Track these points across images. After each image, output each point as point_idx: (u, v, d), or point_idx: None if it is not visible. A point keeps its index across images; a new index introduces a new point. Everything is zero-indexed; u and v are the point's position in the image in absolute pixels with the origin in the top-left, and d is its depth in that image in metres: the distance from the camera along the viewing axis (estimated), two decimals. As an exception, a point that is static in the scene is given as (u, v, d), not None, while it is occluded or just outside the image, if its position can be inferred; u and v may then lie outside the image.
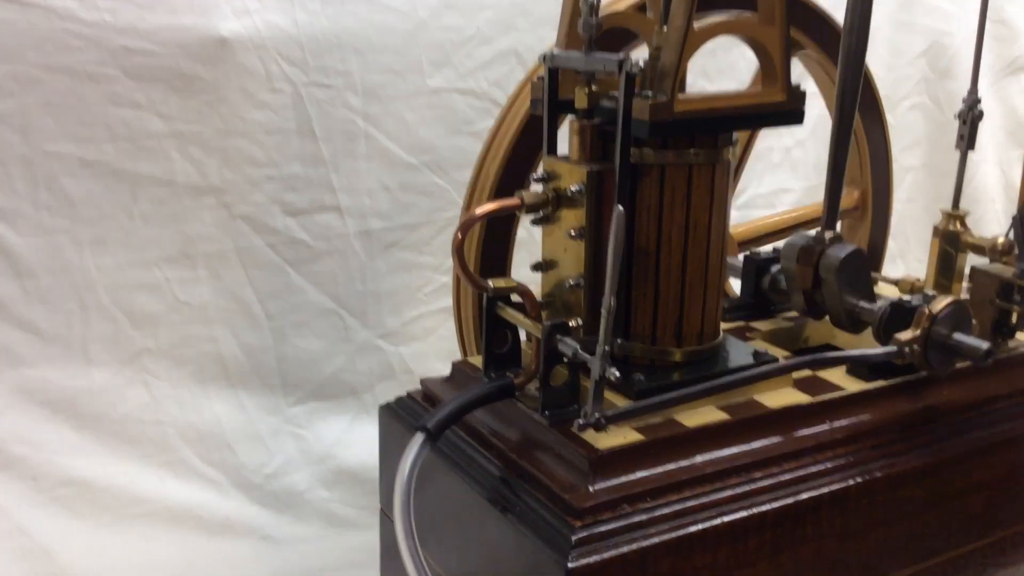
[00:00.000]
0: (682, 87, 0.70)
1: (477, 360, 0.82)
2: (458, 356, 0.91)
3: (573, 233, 0.71)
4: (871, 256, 1.15)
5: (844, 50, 0.74)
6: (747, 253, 0.94)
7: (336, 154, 1.16)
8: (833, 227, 0.82)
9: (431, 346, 1.25)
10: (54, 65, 0.99)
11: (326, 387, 1.19)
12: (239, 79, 1.08)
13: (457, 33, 1.21)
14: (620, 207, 0.60)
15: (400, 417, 0.82)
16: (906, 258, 1.73)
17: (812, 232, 0.81)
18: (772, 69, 0.69)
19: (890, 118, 1.66)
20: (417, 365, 1.23)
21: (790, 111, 0.71)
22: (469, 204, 0.92)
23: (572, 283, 0.72)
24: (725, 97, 0.68)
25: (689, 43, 0.64)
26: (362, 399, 1.21)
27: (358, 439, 1.18)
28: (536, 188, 0.75)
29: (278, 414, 1.16)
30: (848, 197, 1.09)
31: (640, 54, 0.70)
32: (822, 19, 1.00)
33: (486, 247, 0.91)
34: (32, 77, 0.98)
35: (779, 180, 1.61)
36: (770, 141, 1.57)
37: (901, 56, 1.67)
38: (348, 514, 1.15)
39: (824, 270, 0.80)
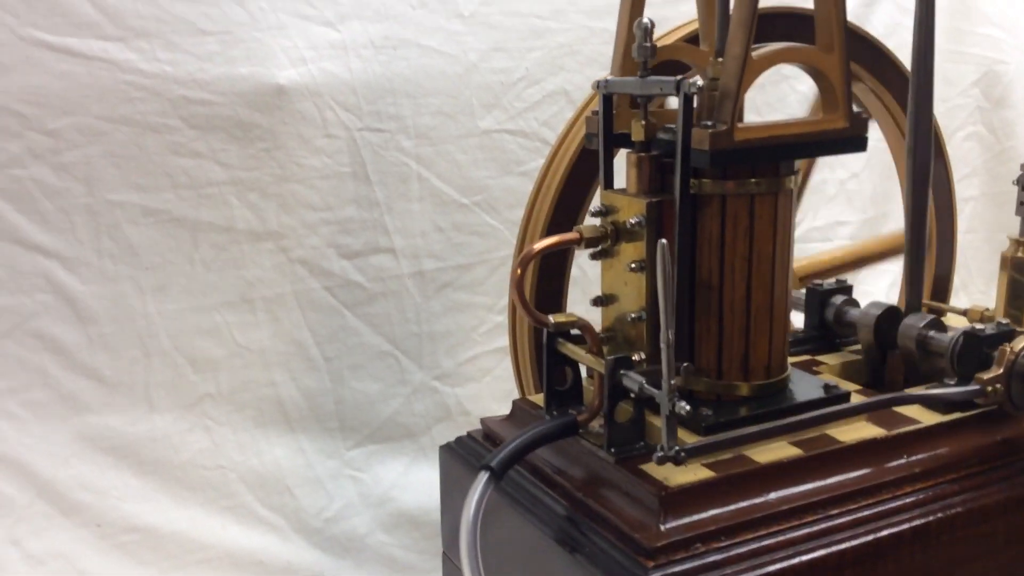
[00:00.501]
0: (740, 117, 0.69)
1: (537, 398, 0.81)
2: (514, 396, 0.90)
3: (633, 266, 0.70)
4: (937, 289, 1.12)
5: (912, 118, 0.73)
6: (810, 285, 0.92)
7: (390, 196, 1.17)
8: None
9: (487, 387, 1.25)
10: (116, 116, 1.01)
11: (384, 429, 1.19)
12: (295, 126, 1.09)
13: (506, 75, 1.22)
14: (663, 240, 0.59)
15: (461, 457, 0.81)
16: (968, 290, 1.69)
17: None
18: (833, 96, 0.68)
19: (946, 148, 1.64)
20: (473, 406, 1.23)
21: (853, 138, 0.69)
22: (522, 243, 0.92)
23: (634, 316, 0.71)
24: (786, 125, 0.67)
25: (749, 70, 0.63)
26: (419, 441, 1.21)
27: (416, 482, 1.17)
28: (594, 222, 0.74)
29: (337, 457, 1.16)
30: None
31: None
32: (876, 49, 0.99)
33: (540, 284, 0.90)
34: (95, 128, 1.01)
35: (835, 213, 1.59)
36: (824, 174, 1.55)
37: (954, 86, 1.65)
38: (408, 559, 1.14)
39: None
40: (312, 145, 1.11)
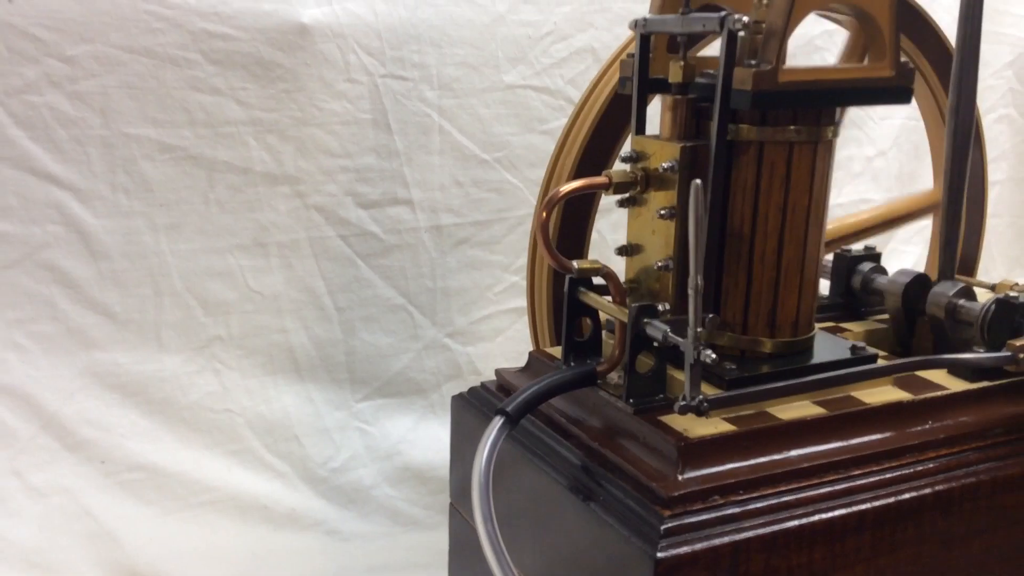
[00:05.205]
0: (783, 62, 0.67)
1: (554, 350, 0.79)
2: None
3: (663, 213, 0.68)
4: (962, 272, 1.10)
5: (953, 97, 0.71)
6: (837, 251, 0.90)
7: (410, 147, 1.14)
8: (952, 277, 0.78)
9: (499, 347, 1.23)
10: (136, 47, 0.99)
11: (393, 384, 1.18)
12: (318, 68, 1.07)
13: (534, 29, 1.19)
14: (698, 181, 0.57)
15: (474, 407, 0.80)
16: (991, 275, 1.66)
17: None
18: (880, 43, 0.66)
19: (977, 129, 1.61)
20: (485, 365, 1.21)
21: (898, 88, 0.67)
22: (546, 192, 0.90)
23: (660, 265, 0.69)
24: (831, 70, 0.65)
25: (797, 7, 0.60)
26: (429, 398, 1.19)
27: (424, 437, 1.16)
28: (623, 168, 0.72)
29: (345, 409, 1.15)
30: (936, 192, 1.05)
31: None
32: (914, 11, 0.96)
33: (562, 237, 0.88)
34: (113, 58, 0.99)
35: (860, 190, 1.56)
36: (851, 150, 1.53)
37: (987, 67, 1.61)
38: (413, 512, 1.13)
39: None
40: (333, 89, 1.09)
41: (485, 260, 1.21)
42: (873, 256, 0.89)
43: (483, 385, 0.82)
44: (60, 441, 1.02)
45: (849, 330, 0.84)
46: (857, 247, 0.90)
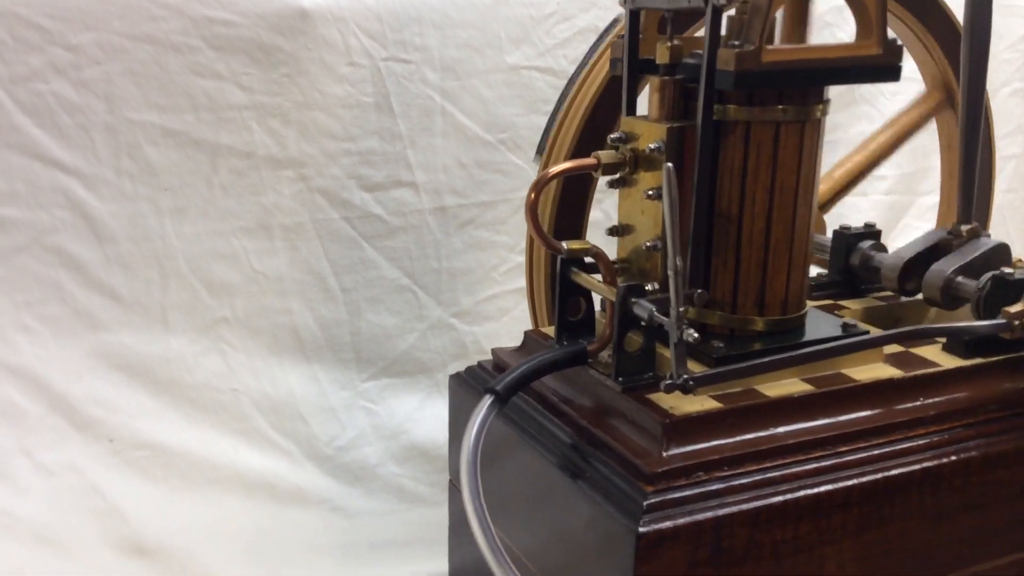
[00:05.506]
0: (770, 39, 0.67)
1: (549, 330, 0.80)
2: (532, 335, 0.89)
3: (651, 193, 0.68)
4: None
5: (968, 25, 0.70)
6: (836, 229, 0.90)
7: (413, 130, 1.15)
8: (969, 219, 0.77)
9: (505, 326, 1.24)
10: (138, 34, 1.00)
11: (399, 363, 1.19)
12: (319, 52, 1.08)
13: (537, 9, 1.19)
14: (669, 164, 0.57)
15: (470, 386, 0.81)
16: (1004, 251, 1.65)
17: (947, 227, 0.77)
18: (867, 20, 0.65)
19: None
20: (490, 345, 1.21)
21: (886, 66, 0.67)
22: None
23: (649, 246, 0.70)
24: (816, 49, 0.65)
25: (779, -13, 0.60)
26: (435, 377, 1.20)
27: (429, 416, 1.17)
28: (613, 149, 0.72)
29: (351, 388, 1.16)
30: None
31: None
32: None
33: (559, 218, 0.89)
34: (117, 45, 1.00)
35: (871, 167, 1.54)
36: (862, 126, 1.51)
37: (1002, 40, 1.59)
38: (418, 490, 1.14)
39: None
40: (335, 73, 1.09)
41: (490, 241, 1.22)
42: (873, 234, 0.89)
43: (480, 364, 0.83)
44: (68, 420, 1.04)
45: (847, 307, 0.84)
46: (857, 226, 0.90)
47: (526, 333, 0.82)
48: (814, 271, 0.93)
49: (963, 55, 0.71)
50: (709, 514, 0.59)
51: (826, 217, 1.03)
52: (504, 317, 1.24)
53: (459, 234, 1.20)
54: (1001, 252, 0.78)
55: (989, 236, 0.81)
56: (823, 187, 1.02)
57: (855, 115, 1.51)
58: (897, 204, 1.58)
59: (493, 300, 1.23)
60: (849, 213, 1.52)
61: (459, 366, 1.21)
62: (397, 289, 1.18)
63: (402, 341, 1.19)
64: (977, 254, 0.76)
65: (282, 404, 1.12)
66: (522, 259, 1.24)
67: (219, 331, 1.10)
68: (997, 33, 1.59)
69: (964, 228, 0.76)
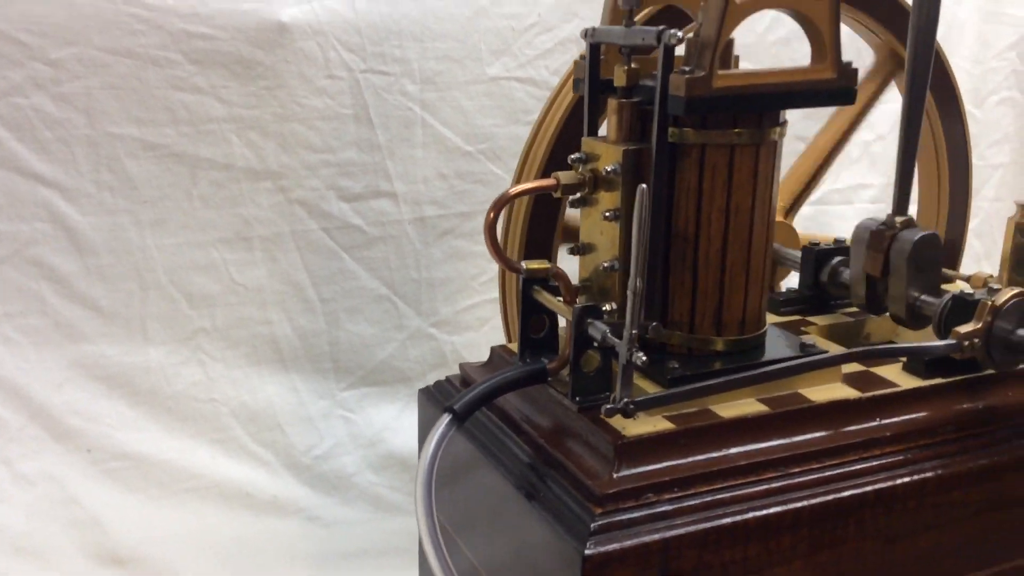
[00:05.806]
0: (726, 64, 0.67)
1: (515, 346, 0.81)
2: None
3: (608, 215, 0.69)
4: (949, 255, 1.09)
5: (915, 17, 0.70)
6: (805, 245, 0.90)
7: (392, 141, 1.16)
8: (905, 211, 0.77)
9: (484, 336, 1.25)
10: (118, 48, 1.02)
11: (377, 373, 1.20)
12: (298, 65, 1.09)
13: (517, 21, 1.20)
14: (643, 185, 0.58)
15: (436, 401, 0.81)
16: (992, 259, 1.65)
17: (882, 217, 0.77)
18: (821, 44, 0.66)
19: (977, 113, 1.59)
20: (469, 355, 1.23)
21: (840, 89, 0.67)
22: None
23: (607, 266, 0.70)
24: (770, 73, 0.65)
25: (730, 15, 0.61)
26: (413, 386, 1.21)
27: (407, 426, 1.18)
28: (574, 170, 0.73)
29: (329, 398, 1.17)
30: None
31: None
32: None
33: (531, 232, 0.89)
34: (97, 60, 1.01)
35: (857, 176, 1.55)
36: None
37: (989, 48, 1.59)
38: (395, 499, 1.15)
39: (896, 255, 0.75)
40: (314, 85, 1.10)
41: (470, 251, 1.23)
42: (843, 249, 0.89)
43: (448, 379, 0.84)
44: (48, 431, 1.05)
45: (814, 324, 0.85)
46: (827, 241, 0.90)
47: (492, 349, 0.83)
48: (792, 283, 0.94)
49: (908, 45, 0.70)
50: (657, 536, 0.60)
51: (812, 225, 1.03)
52: (483, 327, 1.25)
53: (438, 244, 1.21)
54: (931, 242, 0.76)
55: (924, 229, 0.79)
56: (799, 171, 1.03)
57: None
58: (883, 213, 1.58)
59: (472, 310, 1.24)
60: (835, 222, 1.53)
61: (438, 375, 1.21)
62: (376, 299, 1.19)
63: (381, 351, 1.20)
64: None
65: (260, 414, 1.13)
66: (502, 269, 1.25)
67: (198, 341, 1.11)
68: (985, 41, 1.60)
69: (898, 220, 0.76)
